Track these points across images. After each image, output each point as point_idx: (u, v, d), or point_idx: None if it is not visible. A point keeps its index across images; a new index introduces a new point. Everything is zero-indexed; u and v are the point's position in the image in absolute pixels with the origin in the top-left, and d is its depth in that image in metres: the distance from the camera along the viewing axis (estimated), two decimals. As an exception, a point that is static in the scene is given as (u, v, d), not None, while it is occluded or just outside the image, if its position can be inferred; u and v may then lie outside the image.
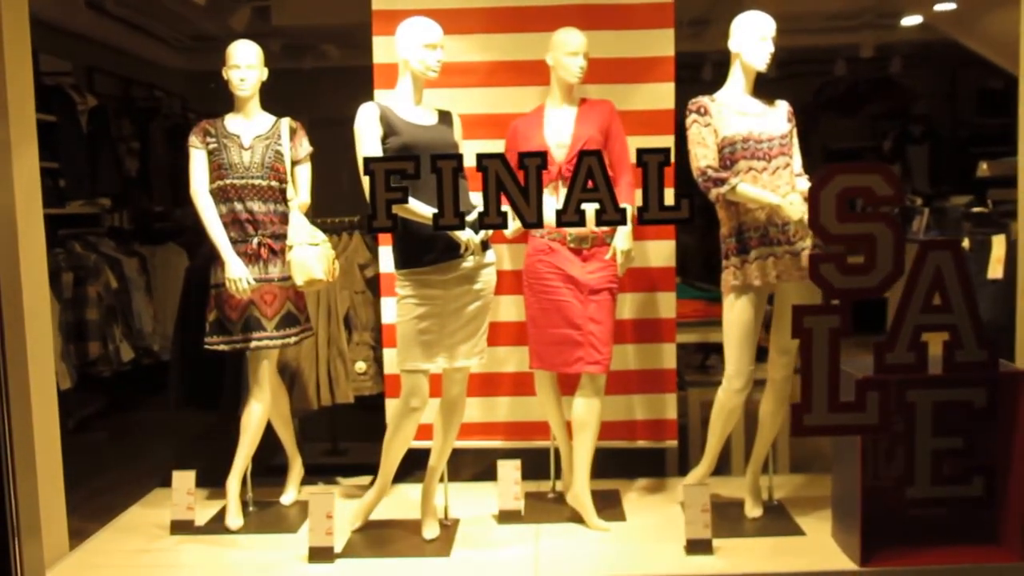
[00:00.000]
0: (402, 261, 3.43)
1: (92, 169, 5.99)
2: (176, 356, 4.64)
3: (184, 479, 3.72)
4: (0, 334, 3.14)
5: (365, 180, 3.28)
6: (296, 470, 4.09)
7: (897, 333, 3.04)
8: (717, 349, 4.92)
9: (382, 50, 4.05)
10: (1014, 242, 3.82)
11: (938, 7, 5.98)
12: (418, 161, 2.95)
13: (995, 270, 3.90)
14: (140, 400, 5.93)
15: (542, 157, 2.93)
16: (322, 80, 6.86)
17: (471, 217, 3.14)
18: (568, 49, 3.68)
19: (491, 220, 2.97)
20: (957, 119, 8.30)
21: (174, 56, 7.60)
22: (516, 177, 2.84)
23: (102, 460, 4.72)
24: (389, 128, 3.42)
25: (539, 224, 2.89)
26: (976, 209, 4.72)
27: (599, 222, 3.18)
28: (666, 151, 2.91)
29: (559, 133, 3.71)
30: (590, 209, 2.90)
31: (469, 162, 3.02)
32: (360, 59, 7.12)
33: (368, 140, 3.40)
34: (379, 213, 2.94)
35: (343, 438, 5.01)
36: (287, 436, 4.06)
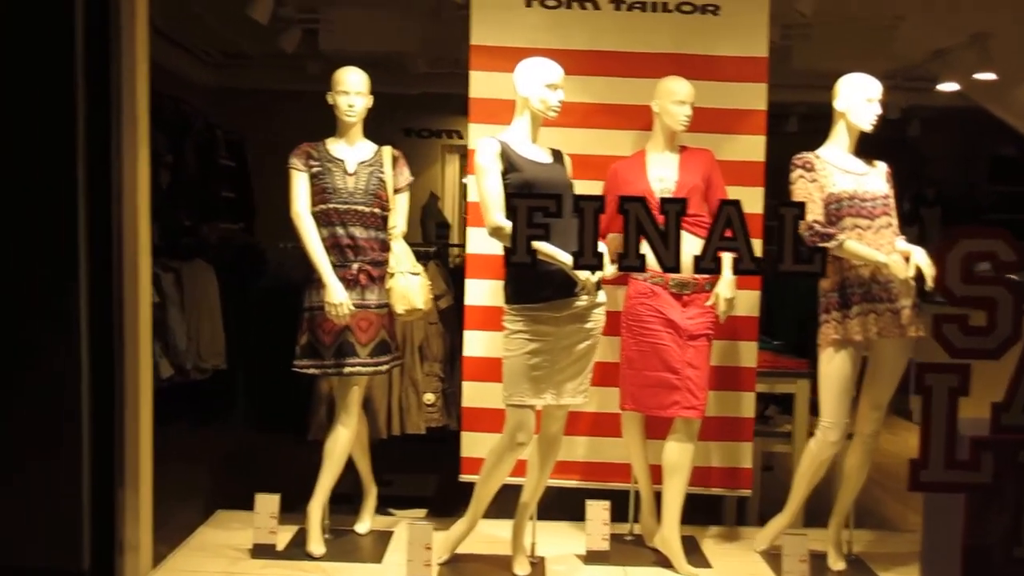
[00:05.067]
0: (515, 296, 3.43)
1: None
2: (239, 375, 4.58)
3: (267, 502, 3.66)
4: (120, 345, 3.08)
5: (494, 215, 3.34)
6: (372, 499, 4.04)
7: (1013, 395, 3.10)
8: (776, 400, 4.98)
9: (480, 85, 4.07)
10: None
11: (978, 76, 6.17)
12: (560, 199, 2.98)
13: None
14: (178, 419, 5.80)
15: (682, 204, 2.98)
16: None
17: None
18: (676, 97, 3.74)
19: (630, 262, 3.00)
20: (969, 184, 8.54)
21: (206, 72, 7.55)
22: (656, 221, 2.87)
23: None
24: (509, 164, 3.44)
25: (677, 268, 2.92)
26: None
27: (736, 271, 3.25)
28: (802, 205, 2.99)
29: (663, 179, 3.76)
30: (727, 257, 2.95)
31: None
32: (399, 87, 7.17)
33: (491, 175, 3.41)
34: (519, 248, 2.96)
35: (391, 470, 4.95)
36: (364, 464, 4.02)
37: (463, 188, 9.29)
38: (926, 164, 8.41)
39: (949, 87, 6.78)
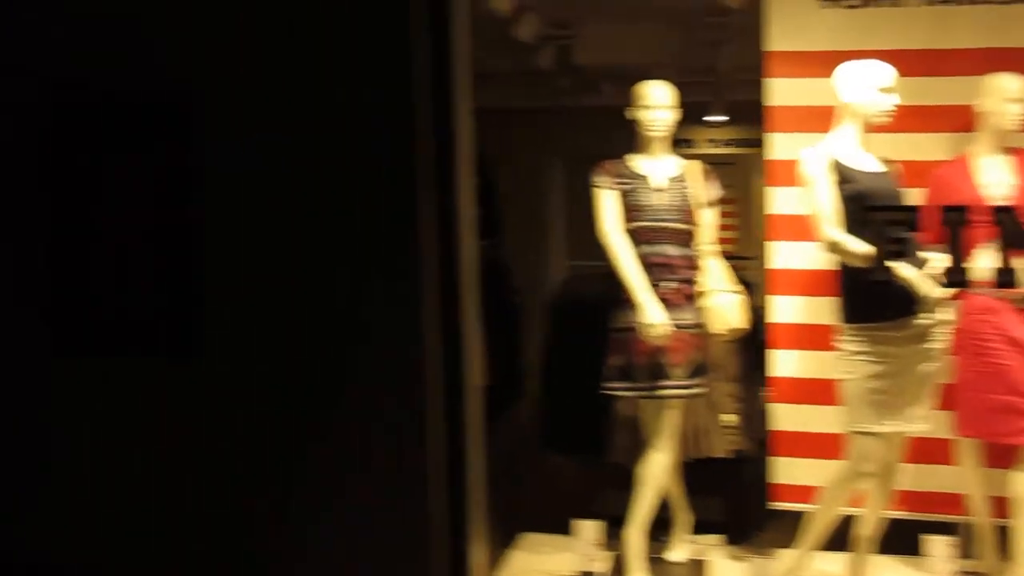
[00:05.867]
0: (854, 315, 3.25)
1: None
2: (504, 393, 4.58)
3: (588, 529, 3.62)
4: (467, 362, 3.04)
5: (829, 230, 3.19)
6: (684, 525, 3.92)
7: None
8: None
9: (776, 92, 3.90)
10: None
11: None
12: (916, 212, 2.81)
13: None
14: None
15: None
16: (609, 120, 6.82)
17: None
18: (1008, 95, 3.46)
19: (1005, 278, 2.79)
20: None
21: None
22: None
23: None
24: (841, 175, 3.26)
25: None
26: None
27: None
28: None
29: (996, 184, 3.47)
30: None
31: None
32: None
33: (823, 187, 3.25)
34: (878, 264, 2.81)
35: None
36: (676, 489, 3.91)
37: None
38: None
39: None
